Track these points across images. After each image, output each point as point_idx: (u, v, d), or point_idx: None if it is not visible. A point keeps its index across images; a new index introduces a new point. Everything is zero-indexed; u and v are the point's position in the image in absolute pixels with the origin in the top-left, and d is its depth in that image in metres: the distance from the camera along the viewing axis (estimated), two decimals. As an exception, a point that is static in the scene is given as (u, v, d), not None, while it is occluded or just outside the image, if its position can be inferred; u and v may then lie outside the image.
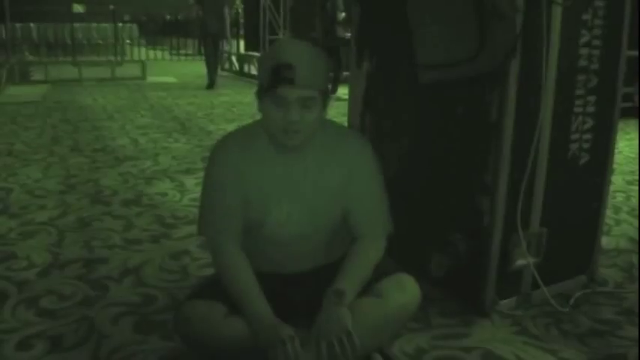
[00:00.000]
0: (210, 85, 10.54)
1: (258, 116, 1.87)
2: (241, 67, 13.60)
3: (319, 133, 1.87)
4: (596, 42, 2.25)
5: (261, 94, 1.79)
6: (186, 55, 18.98)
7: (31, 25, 16.61)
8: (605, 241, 2.97)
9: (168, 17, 21.70)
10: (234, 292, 1.82)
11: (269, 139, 1.87)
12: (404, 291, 1.88)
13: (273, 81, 1.72)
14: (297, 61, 1.71)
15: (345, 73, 8.98)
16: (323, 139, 1.90)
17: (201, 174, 4.30)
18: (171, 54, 18.74)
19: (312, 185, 1.90)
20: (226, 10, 10.71)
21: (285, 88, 1.71)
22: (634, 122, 6.64)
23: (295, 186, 1.90)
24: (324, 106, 1.83)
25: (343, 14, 9.10)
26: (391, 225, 2.01)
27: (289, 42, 1.91)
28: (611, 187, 2.60)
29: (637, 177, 4.54)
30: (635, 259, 2.89)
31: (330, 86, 1.84)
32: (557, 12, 2.11)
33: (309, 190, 1.90)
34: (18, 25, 15.95)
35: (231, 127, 6.49)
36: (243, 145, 1.91)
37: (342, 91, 8.13)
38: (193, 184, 4.16)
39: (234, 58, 14.33)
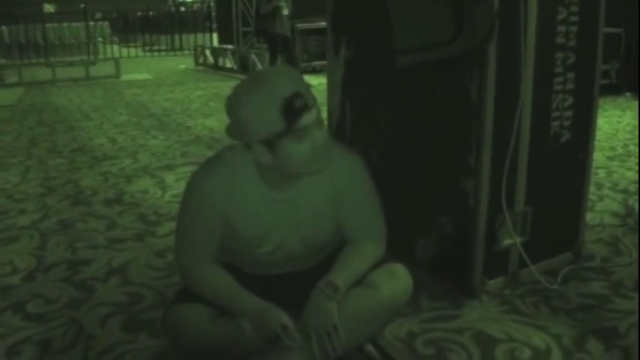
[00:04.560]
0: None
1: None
2: (216, 61, 13.50)
3: None
4: (574, 19, 2.25)
5: (275, 142, 1.64)
6: (159, 50, 18.82)
7: (3, 27, 16.36)
8: (589, 217, 3.00)
9: (139, 13, 21.51)
10: (217, 299, 1.77)
11: (256, 172, 1.78)
12: (395, 280, 1.84)
13: (290, 117, 1.59)
14: (295, 86, 1.62)
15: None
16: None
17: (182, 170, 4.33)
18: (144, 50, 18.59)
19: (305, 211, 1.82)
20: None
21: (303, 117, 1.61)
22: (611, 99, 6.69)
23: (287, 218, 1.82)
24: None
25: (276, 5, 8.72)
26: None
27: (273, 75, 1.69)
28: (593, 164, 2.61)
29: (617, 153, 4.58)
30: (619, 233, 2.91)
31: None
32: (534, -10, 2.11)
33: (302, 217, 1.83)
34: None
35: (209, 122, 6.47)
36: (225, 179, 1.78)
37: (318, 81, 8.10)
38: (174, 180, 4.13)
39: (208, 52, 14.22)
